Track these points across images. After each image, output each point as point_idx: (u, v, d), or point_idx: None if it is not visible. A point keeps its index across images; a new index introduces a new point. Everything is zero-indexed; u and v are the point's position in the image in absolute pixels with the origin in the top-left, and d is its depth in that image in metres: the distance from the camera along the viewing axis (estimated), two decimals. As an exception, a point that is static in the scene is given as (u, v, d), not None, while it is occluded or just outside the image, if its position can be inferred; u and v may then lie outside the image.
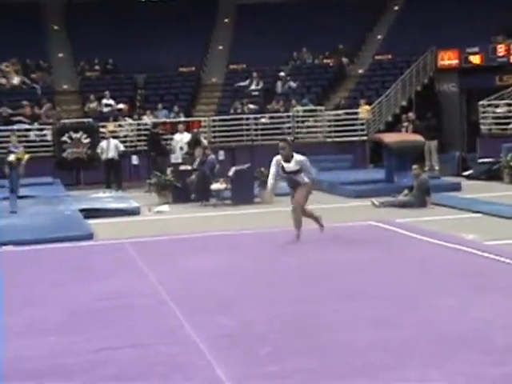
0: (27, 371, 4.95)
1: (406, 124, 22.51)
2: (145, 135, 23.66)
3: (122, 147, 21.76)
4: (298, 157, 9.75)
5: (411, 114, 22.86)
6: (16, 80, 26.07)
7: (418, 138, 18.79)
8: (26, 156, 18.03)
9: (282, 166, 9.76)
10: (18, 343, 5.57)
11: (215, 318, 6.04)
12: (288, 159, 9.71)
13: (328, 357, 4.99)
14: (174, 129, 22.62)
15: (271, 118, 24.80)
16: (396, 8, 31.29)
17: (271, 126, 24.32)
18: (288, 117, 24.69)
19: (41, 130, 23.57)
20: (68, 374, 4.87)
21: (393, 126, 23.70)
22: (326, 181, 19.12)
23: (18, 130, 22.87)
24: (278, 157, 9.82)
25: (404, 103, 25.09)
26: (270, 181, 9.88)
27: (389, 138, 18.69)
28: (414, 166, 15.08)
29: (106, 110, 25.22)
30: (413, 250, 9.11)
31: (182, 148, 20.92)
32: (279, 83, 26.93)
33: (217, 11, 31.66)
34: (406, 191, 15.01)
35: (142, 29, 28.26)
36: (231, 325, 5.86)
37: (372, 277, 7.54)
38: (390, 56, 27.77)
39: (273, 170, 9.83)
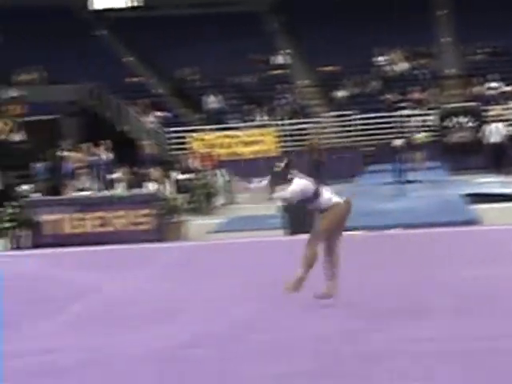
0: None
1: None
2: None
3: (507, 131, 21.52)
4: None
5: None
6: (404, 66, 27.14)
7: None
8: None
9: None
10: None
11: None
12: None
13: None
14: None
15: None
16: None
17: None
18: None
19: (427, 114, 24.20)
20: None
21: None
22: None
23: (406, 116, 23.78)
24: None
25: None
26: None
27: None
28: None
29: (491, 93, 25.02)
30: None
31: None
32: None
33: None
34: None
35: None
36: None
37: None
38: None
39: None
